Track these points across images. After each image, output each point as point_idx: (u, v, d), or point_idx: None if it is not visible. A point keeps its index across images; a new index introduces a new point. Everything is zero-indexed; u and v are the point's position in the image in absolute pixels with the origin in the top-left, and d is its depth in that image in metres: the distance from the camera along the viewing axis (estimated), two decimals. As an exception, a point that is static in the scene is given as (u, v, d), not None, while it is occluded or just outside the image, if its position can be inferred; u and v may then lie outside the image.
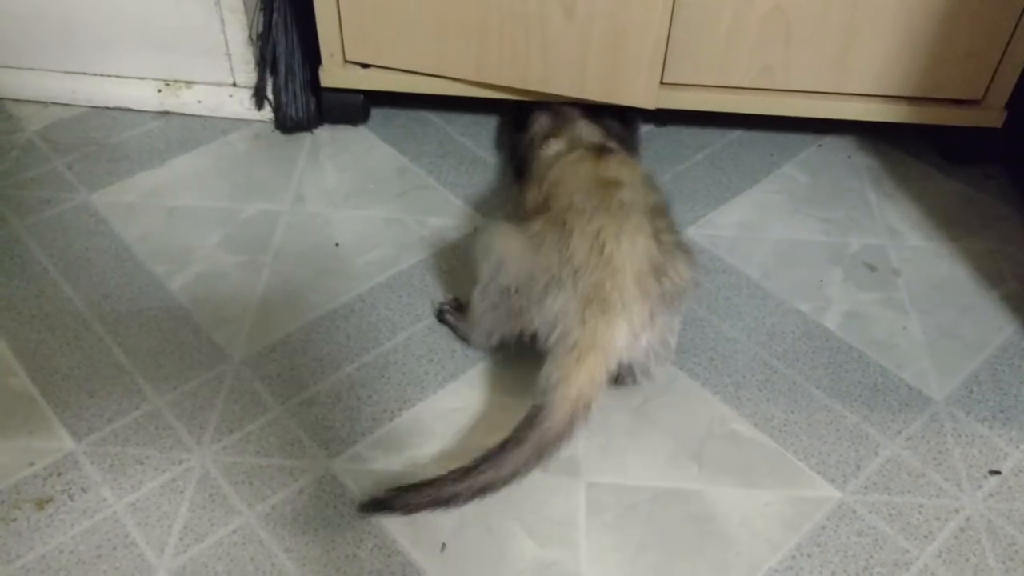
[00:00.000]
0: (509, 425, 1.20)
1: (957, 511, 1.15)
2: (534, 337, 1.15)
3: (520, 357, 1.29)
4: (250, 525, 1.10)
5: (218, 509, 1.11)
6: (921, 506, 1.15)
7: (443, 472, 1.05)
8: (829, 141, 1.67)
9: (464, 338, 1.29)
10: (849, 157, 1.64)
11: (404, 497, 1.04)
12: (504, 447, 1.05)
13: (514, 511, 1.13)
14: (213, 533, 1.09)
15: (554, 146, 1.35)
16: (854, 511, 1.15)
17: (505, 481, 1.05)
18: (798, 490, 1.17)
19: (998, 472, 1.19)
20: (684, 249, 1.17)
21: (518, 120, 1.54)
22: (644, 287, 1.10)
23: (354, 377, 1.26)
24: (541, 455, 1.05)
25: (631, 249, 1.11)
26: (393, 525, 1.10)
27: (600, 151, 1.29)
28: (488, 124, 1.68)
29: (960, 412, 1.25)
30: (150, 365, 1.26)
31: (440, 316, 1.32)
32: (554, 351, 1.10)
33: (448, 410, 1.23)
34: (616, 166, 1.24)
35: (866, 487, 1.17)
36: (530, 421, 1.05)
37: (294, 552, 1.08)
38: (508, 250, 1.16)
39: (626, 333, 1.09)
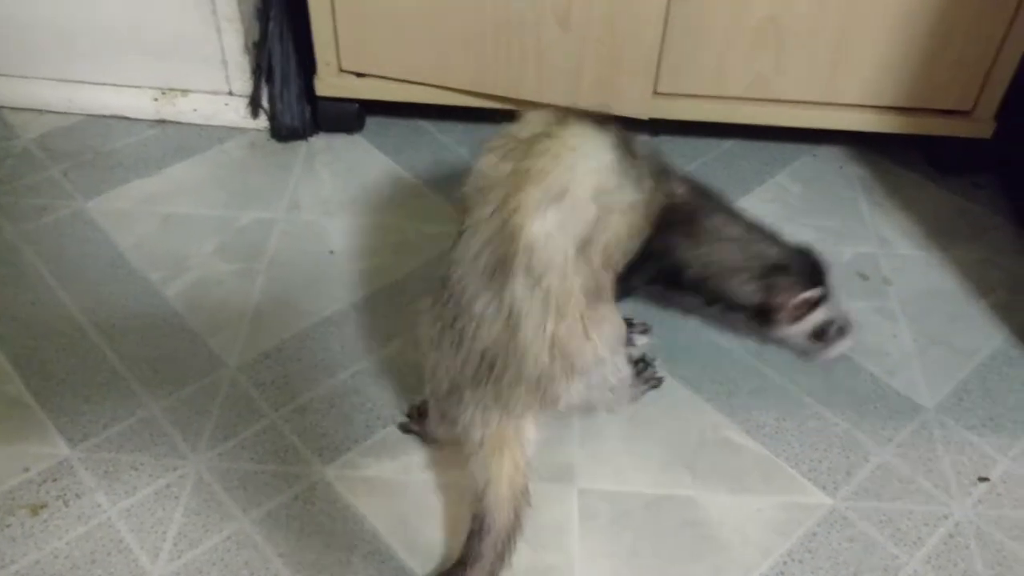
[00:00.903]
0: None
1: (946, 517, 1.16)
2: None
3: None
4: (245, 531, 1.10)
5: (213, 515, 1.12)
6: (911, 512, 1.16)
7: None
8: (822, 151, 1.69)
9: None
10: (841, 167, 1.66)
11: None
12: (464, 566, 1.03)
13: (508, 517, 1.13)
14: (208, 539, 1.09)
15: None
16: (845, 517, 1.15)
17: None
18: (790, 496, 1.17)
19: (987, 479, 1.20)
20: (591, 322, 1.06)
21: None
22: (542, 392, 1.04)
23: (348, 384, 1.27)
24: (502, 557, 1.04)
25: (518, 368, 1.02)
26: (387, 531, 1.11)
27: (544, 129, 1.09)
28: (483, 133, 1.69)
29: (950, 420, 1.26)
30: (145, 371, 1.27)
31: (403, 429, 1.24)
32: (467, 449, 1.06)
33: (442, 417, 1.24)
34: (541, 168, 1.03)
35: (856, 494, 1.18)
36: (479, 534, 1.04)
37: (288, 557, 1.08)
38: (421, 324, 1.10)
39: (533, 428, 1.07)
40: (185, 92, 1.68)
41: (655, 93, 1.51)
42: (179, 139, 1.67)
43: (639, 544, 1.11)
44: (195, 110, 1.68)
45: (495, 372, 1.02)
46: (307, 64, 1.60)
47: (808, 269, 1.20)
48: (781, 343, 1.27)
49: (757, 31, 1.44)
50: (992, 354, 1.36)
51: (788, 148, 1.69)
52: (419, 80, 1.55)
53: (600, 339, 1.05)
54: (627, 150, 1.10)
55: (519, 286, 0.99)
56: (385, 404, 1.25)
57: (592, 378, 1.07)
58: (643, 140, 1.19)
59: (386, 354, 1.31)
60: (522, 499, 1.06)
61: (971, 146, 1.58)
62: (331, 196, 1.56)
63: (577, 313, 1.02)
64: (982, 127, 1.54)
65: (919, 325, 1.39)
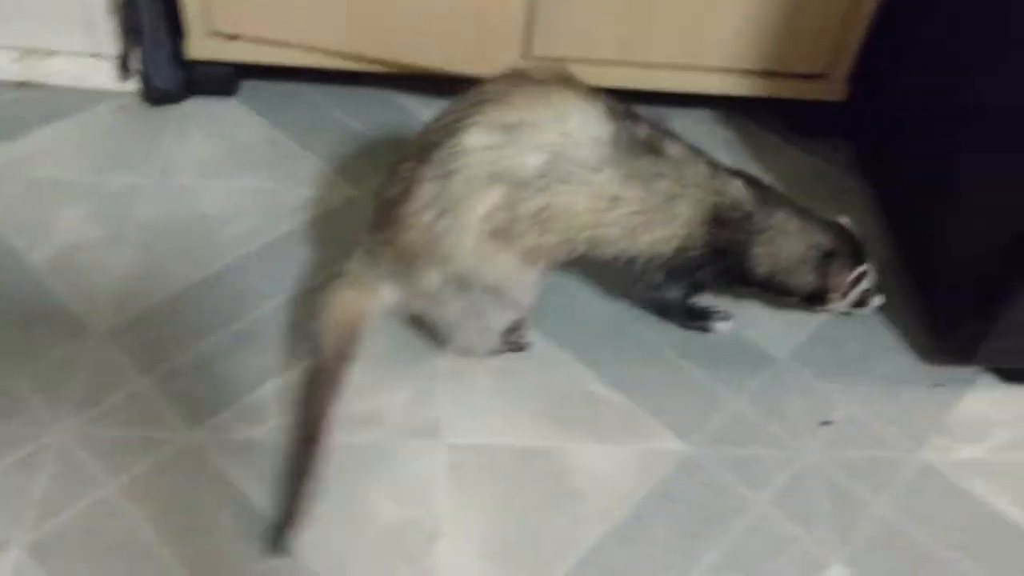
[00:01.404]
0: (373, 392, 1.25)
1: (792, 460, 1.24)
2: None
3: (385, 327, 1.32)
4: (111, 497, 1.11)
5: (77, 482, 1.12)
6: (760, 456, 1.24)
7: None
8: (691, 114, 1.74)
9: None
10: (708, 130, 1.72)
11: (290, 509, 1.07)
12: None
13: (376, 476, 1.16)
14: (72, 506, 1.09)
15: None
16: (699, 463, 1.22)
17: (322, 417, 1.11)
18: (649, 444, 1.24)
19: (829, 422, 1.29)
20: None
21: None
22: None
23: (219, 348, 1.28)
24: (332, 386, 1.13)
25: (396, 228, 1.15)
26: (255, 492, 1.13)
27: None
28: (359, 96, 1.69)
29: (799, 368, 1.35)
30: (6, 339, 1.25)
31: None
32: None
33: (314, 378, 1.25)
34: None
35: (711, 440, 1.25)
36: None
37: (156, 522, 1.09)
38: None
39: (388, 290, 1.18)
40: (51, 53, 1.63)
41: (528, 56, 1.54)
42: (45, 102, 1.62)
43: (504, 496, 1.16)
44: (61, 72, 1.63)
45: (384, 223, 1.15)
46: (178, 26, 1.57)
47: (852, 248, 1.28)
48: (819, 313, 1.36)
49: (624, -5, 1.48)
50: (841, 306, 1.44)
51: (658, 112, 1.73)
52: (293, 42, 1.53)
53: (475, 263, 1.13)
54: (637, 146, 1.17)
55: (428, 171, 1.11)
56: (257, 366, 1.26)
57: (444, 294, 1.16)
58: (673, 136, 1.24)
59: (259, 315, 1.32)
60: (351, 333, 1.16)
61: (828, 109, 1.65)
62: (205, 160, 1.55)
63: (466, 226, 1.11)
64: (836, 90, 1.62)
65: (775, 280, 1.46)
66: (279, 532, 1.06)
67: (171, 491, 1.12)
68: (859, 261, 1.28)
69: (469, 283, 1.16)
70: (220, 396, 1.22)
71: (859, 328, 1.41)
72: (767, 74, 1.60)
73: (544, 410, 1.26)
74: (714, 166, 1.25)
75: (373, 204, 1.20)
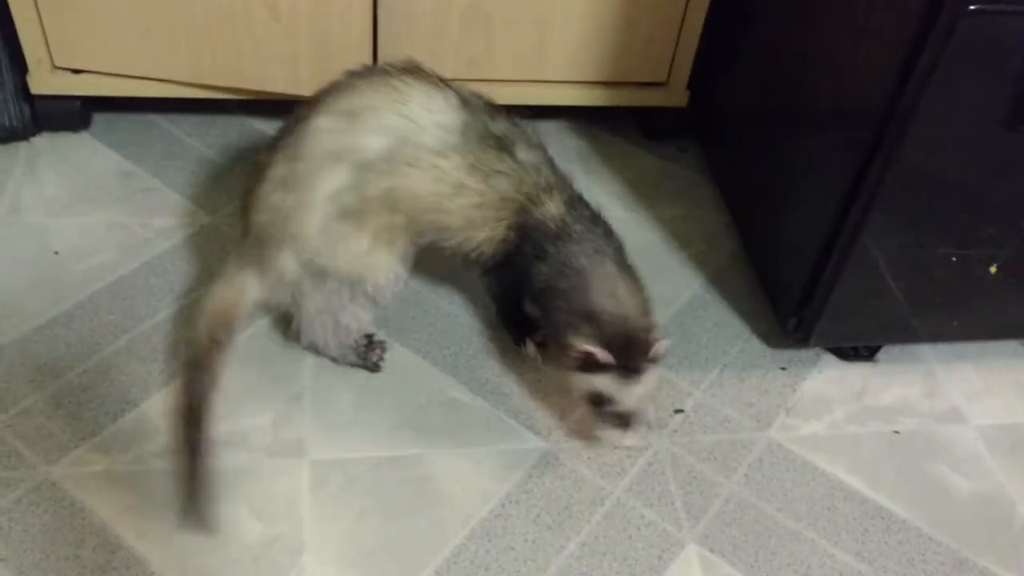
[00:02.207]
0: (236, 415, 1.26)
1: (646, 448, 1.30)
2: None
3: (243, 352, 1.33)
4: (-37, 540, 1.09)
5: (-73, 528, 1.09)
6: (616, 448, 1.29)
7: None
8: (542, 125, 1.79)
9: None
10: (561, 139, 1.78)
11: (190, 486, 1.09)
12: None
13: (241, 496, 1.17)
14: (-79, 552, 1.07)
15: None
16: (557, 458, 1.27)
17: (202, 401, 1.13)
18: (508, 444, 1.28)
19: (681, 411, 1.36)
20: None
21: None
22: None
23: (75, 383, 1.27)
24: (210, 380, 1.14)
25: (251, 214, 1.21)
26: (116, 521, 1.12)
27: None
28: (215, 123, 1.70)
29: (651, 361, 1.41)
30: None
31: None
32: None
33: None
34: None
35: (567, 435, 1.30)
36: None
37: (11, 561, 1.08)
38: None
39: (253, 282, 1.21)
40: None
41: (377, 78, 1.57)
42: None
43: (367, 505, 1.19)
44: (-101, 114, 1.59)
45: (243, 212, 1.22)
46: (21, 61, 1.55)
47: (624, 342, 1.16)
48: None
49: (464, 17, 1.53)
50: (690, 299, 1.52)
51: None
52: (137, 74, 1.53)
53: (324, 244, 1.18)
54: (488, 139, 1.20)
55: (279, 156, 1.18)
56: (114, 399, 1.25)
57: (302, 285, 1.21)
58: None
59: (114, 349, 1.31)
60: (224, 321, 1.18)
61: (672, 114, 1.74)
62: (55, 196, 1.53)
63: (313, 203, 1.16)
64: (677, 96, 1.70)
65: (628, 279, 1.53)
66: (191, 512, 1.08)
67: (27, 529, 1.11)
68: (609, 351, 1.14)
69: (324, 271, 1.19)
70: (76, 431, 1.21)
71: (709, 319, 1.48)
72: (611, 84, 1.68)
73: (407, 420, 1.29)
74: (559, 183, 1.26)
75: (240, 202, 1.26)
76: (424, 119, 1.18)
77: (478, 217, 1.22)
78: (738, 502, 1.26)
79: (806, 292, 1.35)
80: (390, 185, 1.17)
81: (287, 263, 1.19)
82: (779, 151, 1.45)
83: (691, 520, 1.23)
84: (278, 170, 1.17)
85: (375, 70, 1.23)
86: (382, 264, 1.22)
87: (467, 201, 1.21)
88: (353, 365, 1.32)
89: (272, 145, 1.21)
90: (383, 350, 1.35)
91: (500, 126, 1.23)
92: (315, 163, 1.16)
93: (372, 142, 1.16)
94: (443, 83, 1.22)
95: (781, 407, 1.38)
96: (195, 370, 1.14)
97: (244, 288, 1.20)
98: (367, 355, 1.33)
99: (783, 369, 1.44)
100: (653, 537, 1.20)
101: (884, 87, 1.13)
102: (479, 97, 1.25)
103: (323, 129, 1.16)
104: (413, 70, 1.22)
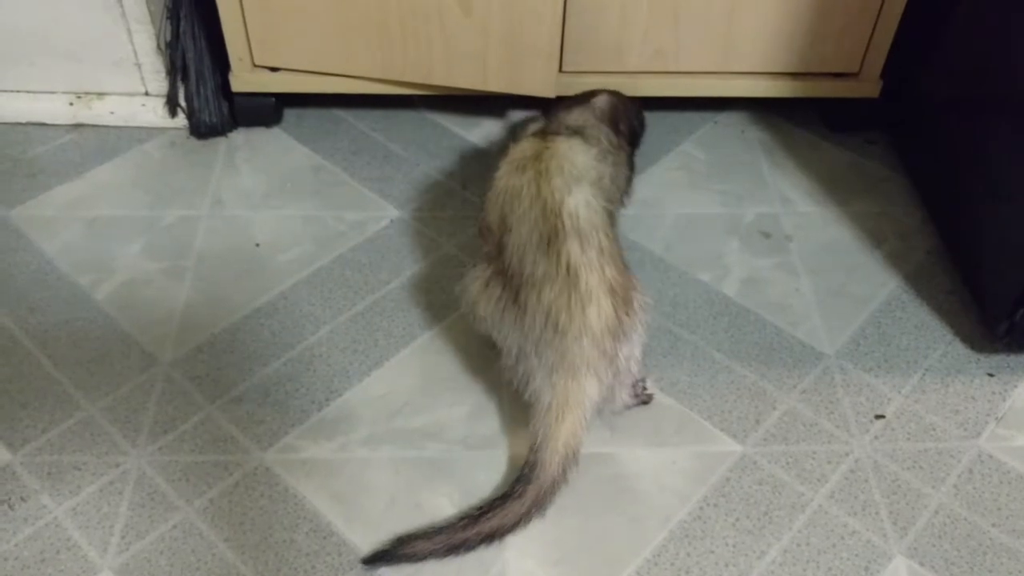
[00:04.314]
0: (433, 407, 1.28)
1: (847, 454, 1.26)
2: None
3: (438, 345, 1.36)
4: (189, 519, 1.15)
5: (157, 507, 1.16)
6: (815, 452, 1.26)
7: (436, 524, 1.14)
8: (724, 117, 1.77)
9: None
10: (743, 131, 1.74)
11: (413, 545, 1.11)
12: (506, 500, 1.13)
13: (442, 488, 1.20)
14: (154, 530, 1.14)
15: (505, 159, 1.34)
16: (755, 462, 1.24)
17: (509, 529, 1.13)
18: (703, 446, 1.26)
19: (882, 416, 1.30)
20: (630, 278, 1.20)
21: None
22: (603, 348, 1.13)
23: (281, 372, 1.32)
24: (541, 504, 1.14)
25: (582, 319, 1.12)
26: (326, 508, 1.17)
27: (540, 147, 1.26)
28: (398, 118, 1.74)
29: (849, 364, 1.36)
30: (81, 374, 1.30)
31: None
32: (535, 408, 1.16)
33: (374, 397, 1.29)
34: (555, 166, 1.21)
35: (765, 439, 1.27)
36: (527, 477, 1.14)
37: (233, 541, 1.13)
38: (477, 306, 1.21)
39: (596, 387, 1.15)
40: (101, 95, 1.69)
41: (560, 71, 1.57)
42: (98, 142, 1.68)
43: (565, 503, 1.19)
44: (112, 112, 1.69)
45: (560, 329, 1.12)
46: (221, 61, 1.63)
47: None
48: None
49: (652, 6, 1.51)
50: (887, 299, 1.46)
51: (691, 117, 1.76)
52: (330, 71, 1.58)
53: (638, 293, 1.19)
54: (592, 140, 1.31)
55: (573, 246, 1.14)
56: (318, 388, 1.30)
57: (633, 340, 1.17)
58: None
59: (316, 339, 1.36)
60: (572, 460, 1.15)
61: (862, 105, 1.67)
62: (253, 189, 1.60)
63: (622, 267, 1.18)
64: (869, 87, 1.63)
65: (819, 277, 1.48)
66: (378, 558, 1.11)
67: (246, 512, 1.16)
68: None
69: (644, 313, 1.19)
70: (285, 418, 1.26)
71: (907, 320, 1.42)
72: (799, 75, 1.62)
73: (600, 419, 1.28)
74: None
75: (522, 330, 1.16)
76: (598, 161, 1.30)
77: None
78: (948, 514, 1.20)
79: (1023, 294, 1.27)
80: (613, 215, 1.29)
81: (628, 348, 1.16)
82: (990, 141, 1.37)
83: (898, 531, 1.18)
84: (587, 259, 1.14)
85: (550, 146, 1.26)
86: None
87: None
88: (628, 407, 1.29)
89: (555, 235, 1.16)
90: (642, 380, 1.32)
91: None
92: (607, 236, 1.18)
93: (602, 189, 1.26)
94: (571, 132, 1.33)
95: (990, 415, 1.31)
96: (538, 506, 1.14)
97: (588, 406, 1.16)
98: (637, 391, 1.30)
99: (991, 375, 1.36)
100: (858, 547, 1.16)
101: None
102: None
103: (580, 205, 1.18)
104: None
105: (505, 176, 1.25)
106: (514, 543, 1.15)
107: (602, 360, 1.14)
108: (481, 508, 1.13)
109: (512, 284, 1.16)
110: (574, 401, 1.14)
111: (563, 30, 1.51)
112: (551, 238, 1.15)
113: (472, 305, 1.22)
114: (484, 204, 1.30)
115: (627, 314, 1.15)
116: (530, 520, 1.14)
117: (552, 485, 1.14)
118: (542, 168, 1.21)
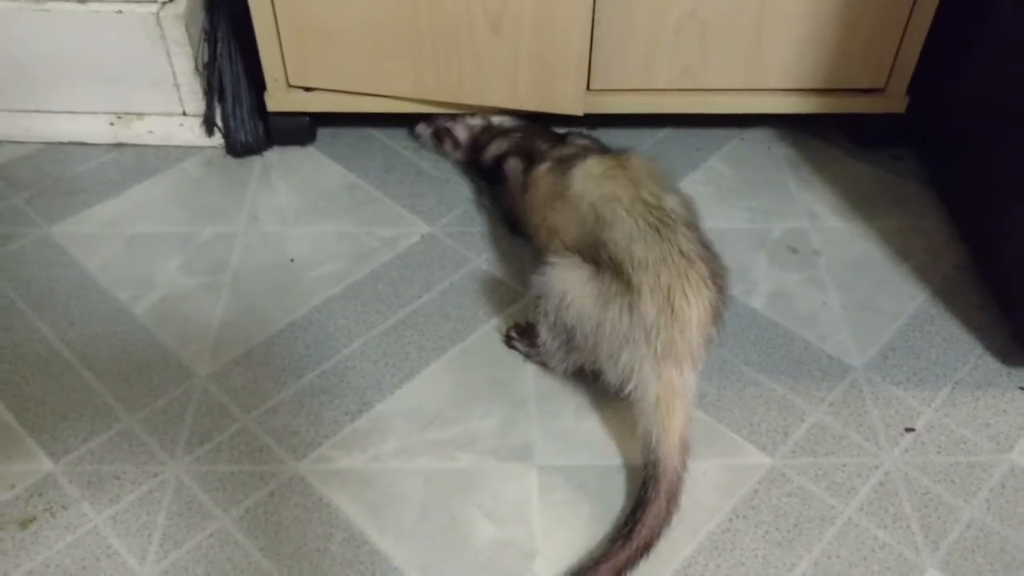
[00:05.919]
0: (464, 419, 1.30)
1: (877, 467, 1.26)
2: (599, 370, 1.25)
3: (468, 357, 1.38)
4: (226, 528, 1.18)
5: (195, 516, 1.19)
6: (844, 465, 1.26)
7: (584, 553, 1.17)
8: (750, 134, 1.78)
9: (541, 364, 1.36)
10: (769, 148, 1.75)
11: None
12: (645, 507, 1.14)
13: (473, 498, 1.21)
14: (191, 538, 1.16)
15: (547, 167, 1.43)
16: (784, 474, 1.25)
17: (659, 533, 1.14)
18: (732, 459, 1.27)
19: (912, 429, 1.30)
20: (717, 259, 1.25)
21: (491, 178, 1.64)
22: (707, 334, 1.19)
23: (315, 384, 1.34)
24: (675, 498, 1.16)
25: (697, 303, 1.17)
26: (360, 518, 1.18)
27: (611, 156, 1.37)
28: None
29: (877, 377, 1.36)
30: (120, 386, 1.33)
31: (508, 343, 1.40)
32: (640, 406, 1.19)
33: (407, 408, 1.31)
34: (643, 175, 1.29)
35: (794, 452, 1.27)
36: (654, 476, 1.16)
37: (269, 550, 1.15)
38: (570, 288, 1.23)
39: (697, 375, 1.20)
40: (140, 115, 1.74)
41: (589, 89, 1.60)
42: (137, 161, 1.72)
43: (595, 513, 1.20)
44: (151, 132, 1.74)
45: (675, 311, 1.16)
46: (257, 81, 1.67)
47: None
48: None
49: (679, 25, 1.53)
50: (915, 313, 1.46)
51: (718, 133, 1.78)
52: (363, 91, 1.62)
53: (727, 282, 1.24)
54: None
55: (682, 235, 1.21)
56: (352, 400, 1.32)
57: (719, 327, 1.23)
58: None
59: (349, 352, 1.38)
60: (688, 449, 1.18)
61: (888, 121, 1.68)
62: (288, 207, 1.63)
63: (716, 255, 1.24)
64: (896, 103, 1.64)
65: (847, 292, 1.49)
66: None
67: (281, 521, 1.18)
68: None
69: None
70: (319, 429, 1.29)
71: (936, 334, 1.42)
72: (825, 92, 1.63)
73: (627, 431, 1.29)
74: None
75: (631, 319, 1.18)
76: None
77: None
78: (981, 528, 1.19)
79: (1053, 308, 1.27)
80: None
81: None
82: (1017, 155, 1.37)
83: (930, 545, 1.18)
84: (695, 248, 1.21)
85: (626, 165, 1.33)
86: None
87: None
88: None
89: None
90: None
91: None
92: (695, 231, 1.25)
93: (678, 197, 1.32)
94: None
95: (1023, 429, 1.31)
96: (673, 501, 1.16)
97: (692, 395, 1.20)
98: None
99: (1022, 389, 1.36)
100: (890, 560, 1.16)
101: None
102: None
103: (676, 205, 1.27)
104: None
105: (592, 184, 1.30)
106: (545, 551, 1.16)
107: (704, 347, 1.19)
108: (627, 524, 1.14)
109: (623, 272, 1.19)
110: (680, 391, 1.18)
111: (591, 49, 1.53)
112: (660, 227, 1.21)
113: (563, 296, 1.23)
114: (531, 205, 1.43)
115: (723, 303, 1.21)
116: (672, 517, 1.15)
117: (678, 478, 1.16)
118: (633, 177, 1.29)
